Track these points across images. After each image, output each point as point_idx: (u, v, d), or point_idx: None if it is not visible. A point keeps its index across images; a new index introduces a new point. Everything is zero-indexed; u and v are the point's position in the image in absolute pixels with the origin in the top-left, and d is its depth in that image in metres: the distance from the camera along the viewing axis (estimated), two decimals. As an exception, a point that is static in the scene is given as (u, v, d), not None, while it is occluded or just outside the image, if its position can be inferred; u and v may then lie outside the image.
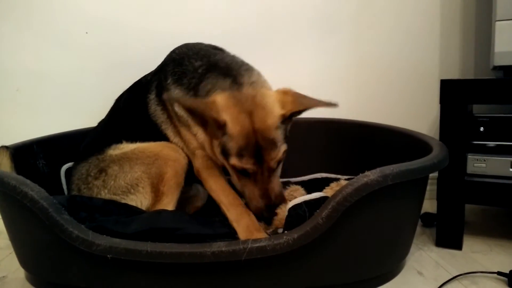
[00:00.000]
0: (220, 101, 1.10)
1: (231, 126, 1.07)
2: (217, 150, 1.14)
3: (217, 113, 1.07)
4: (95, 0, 1.76)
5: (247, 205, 1.16)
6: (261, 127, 1.07)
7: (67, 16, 1.75)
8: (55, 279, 1.07)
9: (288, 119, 1.13)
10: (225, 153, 1.11)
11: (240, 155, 1.07)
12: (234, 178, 1.17)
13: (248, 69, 1.24)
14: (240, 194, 1.20)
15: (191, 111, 1.10)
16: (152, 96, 1.35)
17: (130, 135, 1.32)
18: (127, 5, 1.77)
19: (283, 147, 1.11)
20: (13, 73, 1.76)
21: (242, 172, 1.12)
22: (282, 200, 1.14)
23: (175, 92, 1.26)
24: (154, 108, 1.34)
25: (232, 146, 1.08)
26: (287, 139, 1.14)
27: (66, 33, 1.76)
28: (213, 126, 1.10)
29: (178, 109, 1.24)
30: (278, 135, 1.10)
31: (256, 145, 1.07)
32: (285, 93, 1.16)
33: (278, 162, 1.12)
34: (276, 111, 1.11)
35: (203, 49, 1.33)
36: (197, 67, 1.25)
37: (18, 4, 1.72)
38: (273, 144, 1.08)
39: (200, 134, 1.25)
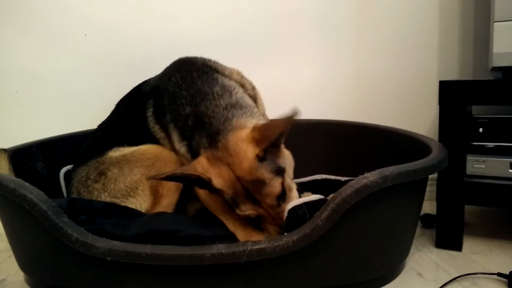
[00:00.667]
0: (203, 162, 1.10)
1: (216, 181, 1.07)
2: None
3: (203, 174, 1.07)
4: (94, 3, 1.76)
5: None
6: (241, 173, 1.05)
7: (66, 18, 1.75)
8: (54, 282, 1.07)
9: (268, 152, 1.06)
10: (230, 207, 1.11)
11: (236, 204, 1.07)
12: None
13: (228, 116, 1.18)
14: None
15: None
16: (150, 113, 1.35)
17: (131, 142, 1.33)
18: (126, 7, 1.77)
19: (275, 181, 1.06)
20: (11, 76, 1.76)
21: (252, 219, 1.10)
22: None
23: (174, 132, 1.27)
24: (153, 126, 1.34)
25: (228, 198, 1.08)
26: (279, 170, 1.08)
27: (65, 35, 1.76)
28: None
29: (178, 148, 1.27)
30: (263, 173, 1.05)
31: (244, 190, 1.06)
32: (254, 130, 1.10)
33: (278, 197, 1.07)
34: (249, 153, 1.06)
35: (195, 83, 1.27)
36: (187, 117, 1.22)
37: (17, 7, 1.72)
38: (260, 183, 1.05)
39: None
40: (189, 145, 1.23)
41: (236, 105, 1.21)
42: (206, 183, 1.07)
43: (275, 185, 1.05)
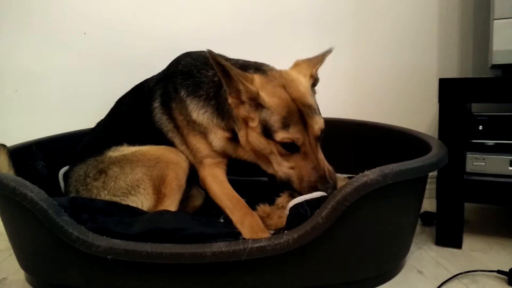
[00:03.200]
0: (256, 78, 1.13)
1: (270, 99, 1.09)
2: (255, 136, 1.13)
3: (249, 85, 1.09)
4: (93, 1, 1.75)
5: (251, 207, 1.17)
6: (297, 95, 1.11)
7: (66, 17, 1.75)
8: (55, 281, 1.07)
9: (313, 85, 1.22)
10: (268, 131, 1.10)
11: (286, 125, 1.07)
12: (278, 160, 1.13)
13: (263, 63, 1.29)
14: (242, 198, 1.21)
15: (229, 77, 1.10)
16: (157, 104, 1.35)
17: (133, 139, 1.32)
18: (125, 5, 1.77)
19: (320, 116, 1.13)
20: (11, 74, 1.76)
21: (289, 148, 1.09)
22: (334, 175, 1.13)
23: (192, 104, 1.27)
24: (160, 117, 1.34)
25: (275, 118, 1.08)
26: (319, 111, 1.16)
27: (65, 34, 1.76)
28: (247, 102, 1.11)
29: (197, 117, 1.26)
30: (314, 101, 1.15)
31: (299, 112, 1.09)
32: (297, 64, 1.26)
33: (320, 132, 1.12)
34: (303, 79, 1.18)
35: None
36: (212, 75, 1.26)
37: (16, 5, 1.72)
38: (313, 109, 1.11)
39: (217, 141, 1.26)
40: (217, 105, 1.24)
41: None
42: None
43: (321, 119, 1.12)
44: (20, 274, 1.19)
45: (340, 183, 1.11)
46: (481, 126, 1.33)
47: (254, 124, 1.12)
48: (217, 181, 1.26)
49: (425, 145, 1.20)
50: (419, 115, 1.88)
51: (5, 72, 1.76)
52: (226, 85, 1.12)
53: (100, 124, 1.48)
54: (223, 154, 1.29)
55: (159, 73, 1.44)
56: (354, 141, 1.66)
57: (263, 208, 1.20)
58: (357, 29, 1.86)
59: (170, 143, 1.33)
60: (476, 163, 1.30)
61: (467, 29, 1.83)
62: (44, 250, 1.04)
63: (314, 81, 1.23)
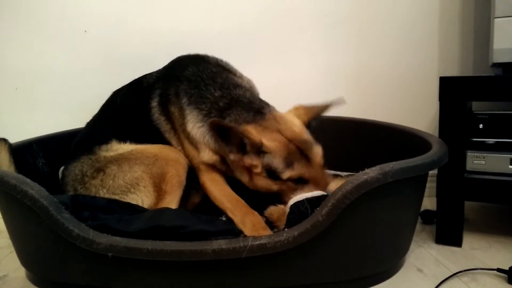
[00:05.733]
0: (250, 129, 1.16)
1: (270, 144, 1.14)
2: (261, 179, 1.17)
3: (254, 136, 1.13)
4: (93, -1, 1.76)
5: (261, 209, 1.18)
6: (293, 136, 1.16)
7: (66, 14, 1.75)
8: (55, 278, 1.07)
9: (308, 128, 1.25)
10: (273, 174, 1.14)
11: (289, 164, 1.13)
12: (288, 195, 1.14)
13: (265, 101, 1.31)
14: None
15: (226, 133, 1.13)
16: (155, 103, 1.36)
17: (128, 135, 1.32)
18: (126, 3, 1.77)
19: (319, 146, 1.18)
20: (12, 72, 1.76)
21: (299, 182, 1.14)
22: None
23: (191, 114, 1.28)
24: (157, 117, 1.35)
25: (278, 161, 1.13)
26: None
27: (65, 31, 1.76)
28: (251, 151, 1.15)
29: (191, 129, 1.27)
30: (310, 136, 1.20)
31: (298, 150, 1.14)
32: (297, 109, 1.30)
33: (322, 160, 1.17)
34: (296, 121, 1.23)
35: (218, 75, 1.33)
36: (218, 98, 1.27)
37: (18, 3, 1.72)
38: (310, 143, 1.17)
39: (207, 157, 1.28)
40: None
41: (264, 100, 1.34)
42: (249, 147, 1.14)
43: (319, 147, 1.19)
44: (21, 271, 1.19)
45: (339, 183, 1.11)
46: (481, 125, 1.33)
47: (258, 170, 1.16)
48: (215, 185, 1.28)
49: (425, 143, 1.20)
50: (419, 113, 1.88)
51: (5, 70, 1.76)
52: (226, 145, 1.16)
53: (94, 118, 1.47)
54: (214, 166, 1.31)
55: (159, 70, 1.43)
56: (354, 139, 1.66)
57: (272, 209, 1.20)
58: (358, 28, 1.86)
59: (167, 143, 1.35)
60: (476, 161, 1.30)
61: (468, 28, 1.83)
62: (45, 247, 1.04)
63: (309, 126, 1.27)
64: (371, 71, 1.88)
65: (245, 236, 1.06)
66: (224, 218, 1.22)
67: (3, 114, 1.78)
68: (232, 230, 1.07)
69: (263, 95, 1.40)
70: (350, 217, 0.95)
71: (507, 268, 1.10)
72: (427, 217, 1.51)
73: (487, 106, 1.54)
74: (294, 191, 1.13)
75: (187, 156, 1.33)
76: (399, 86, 1.88)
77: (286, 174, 1.13)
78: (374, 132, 1.59)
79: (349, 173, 1.37)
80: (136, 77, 1.49)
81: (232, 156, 1.18)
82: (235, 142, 1.15)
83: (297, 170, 1.13)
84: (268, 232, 1.05)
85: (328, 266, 1.01)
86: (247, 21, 1.83)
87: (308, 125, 1.26)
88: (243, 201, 1.20)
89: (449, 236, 1.32)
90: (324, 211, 0.91)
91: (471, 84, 1.27)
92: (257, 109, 1.23)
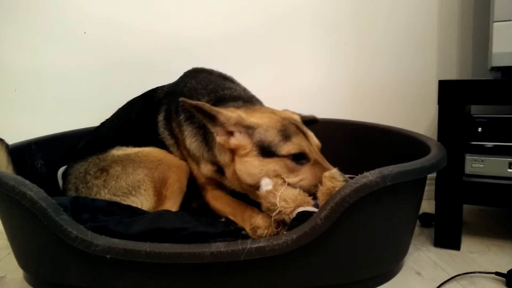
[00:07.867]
0: (238, 111, 1.11)
1: (258, 119, 1.09)
2: (250, 161, 1.08)
3: (241, 117, 1.08)
4: (93, 0, 1.75)
5: (251, 204, 1.18)
6: (287, 116, 1.14)
7: (66, 16, 1.75)
8: (54, 280, 1.07)
9: None
10: (267, 150, 1.05)
11: (286, 137, 1.05)
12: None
13: (258, 100, 1.31)
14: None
15: (211, 117, 1.09)
16: (161, 118, 1.37)
17: (136, 144, 1.34)
18: (126, 4, 1.77)
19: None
20: (11, 73, 1.76)
21: (298, 159, 1.05)
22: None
23: (187, 130, 1.28)
24: (162, 131, 1.36)
25: (272, 133, 1.06)
26: None
27: (65, 32, 1.76)
28: (238, 131, 1.09)
29: (189, 145, 1.28)
30: (303, 124, 1.17)
31: (294, 125, 1.10)
32: (285, 110, 1.27)
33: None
34: (289, 112, 1.22)
35: (212, 82, 1.34)
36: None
37: (17, 4, 1.72)
38: (305, 126, 1.14)
39: (206, 171, 1.28)
40: (204, 134, 1.25)
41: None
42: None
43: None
44: (19, 273, 1.19)
45: (336, 175, 1.09)
46: (480, 128, 1.33)
47: (247, 149, 1.08)
48: (218, 200, 1.29)
49: (424, 146, 1.20)
50: (418, 116, 1.88)
51: (4, 71, 1.76)
52: (211, 126, 1.10)
53: (106, 124, 1.48)
54: (214, 180, 1.31)
55: (170, 85, 1.45)
56: (353, 142, 1.66)
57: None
58: (356, 31, 1.86)
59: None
60: (475, 165, 1.30)
61: (467, 31, 1.83)
62: (43, 249, 1.03)
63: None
64: (370, 74, 1.89)
65: (246, 233, 1.07)
66: (223, 220, 1.23)
67: (1, 115, 1.77)
68: (231, 232, 1.06)
69: (262, 99, 1.40)
70: (348, 220, 0.95)
71: (505, 272, 1.10)
72: (426, 220, 1.51)
73: (486, 110, 1.54)
74: (292, 172, 1.05)
75: (192, 172, 1.33)
76: (398, 89, 1.88)
77: (285, 148, 1.03)
78: (372, 135, 1.59)
79: (348, 176, 1.38)
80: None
81: (218, 138, 1.10)
82: (219, 124, 1.09)
83: (297, 143, 1.04)
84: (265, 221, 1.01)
85: (327, 269, 1.00)
86: (245, 24, 1.83)
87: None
88: (244, 203, 1.21)
89: (447, 239, 1.32)
90: (322, 215, 0.91)
91: (470, 88, 1.28)
92: (246, 99, 1.23)
